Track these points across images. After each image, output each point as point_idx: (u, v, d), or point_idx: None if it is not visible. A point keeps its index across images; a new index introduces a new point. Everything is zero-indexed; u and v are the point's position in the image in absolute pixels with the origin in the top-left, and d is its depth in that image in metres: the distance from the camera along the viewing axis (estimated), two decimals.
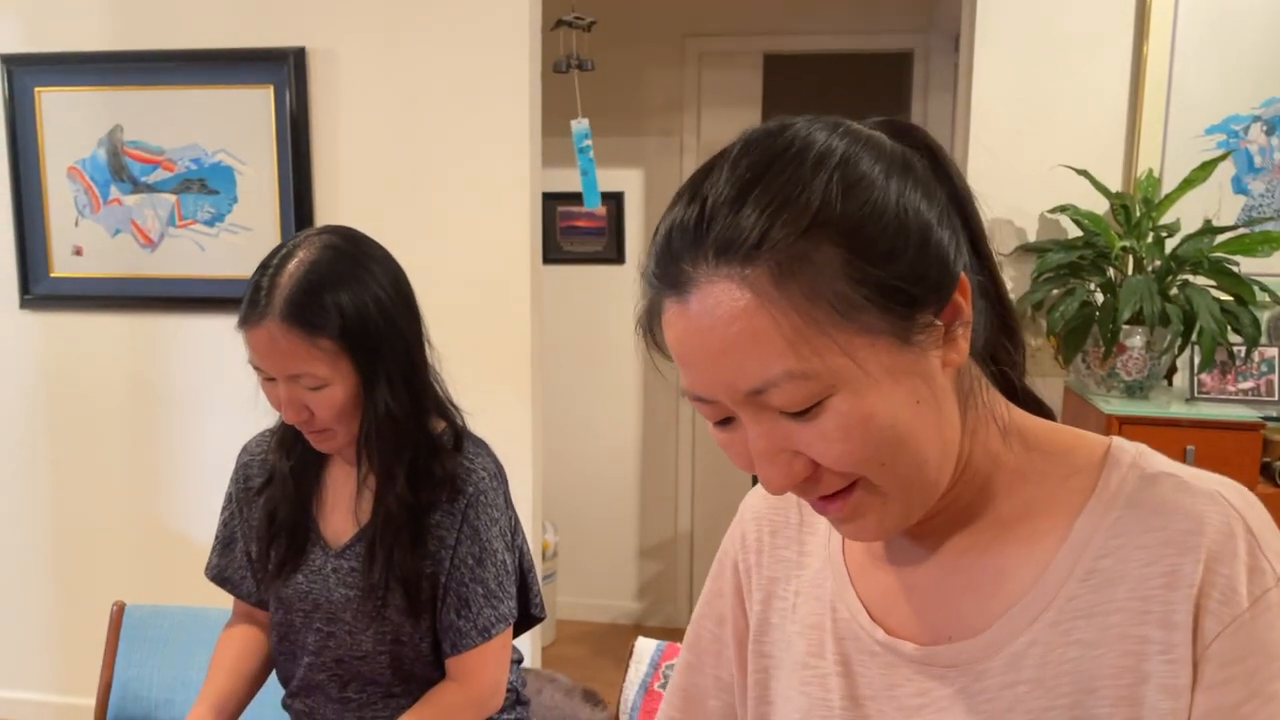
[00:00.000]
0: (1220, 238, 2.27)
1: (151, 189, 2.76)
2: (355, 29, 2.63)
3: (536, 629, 2.66)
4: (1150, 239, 2.31)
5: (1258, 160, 2.45)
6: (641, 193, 3.76)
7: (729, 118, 3.66)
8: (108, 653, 1.77)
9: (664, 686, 1.56)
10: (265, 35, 2.66)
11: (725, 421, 0.66)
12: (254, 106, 2.68)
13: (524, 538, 1.51)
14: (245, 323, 1.29)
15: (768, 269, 0.59)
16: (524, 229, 2.62)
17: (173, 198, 2.76)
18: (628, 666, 1.60)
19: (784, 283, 0.59)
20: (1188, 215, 2.36)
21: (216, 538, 1.54)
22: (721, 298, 0.60)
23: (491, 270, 2.64)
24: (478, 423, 1.50)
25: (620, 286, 3.80)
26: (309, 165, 2.68)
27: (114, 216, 2.79)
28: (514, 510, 1.49)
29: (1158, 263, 2.30)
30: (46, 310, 2.87)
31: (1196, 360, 2.31)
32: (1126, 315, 2.17)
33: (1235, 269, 2.23)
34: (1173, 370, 2.45)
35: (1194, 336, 2.21)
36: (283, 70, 2.64)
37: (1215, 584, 0.62)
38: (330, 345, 1.28)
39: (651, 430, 3.87)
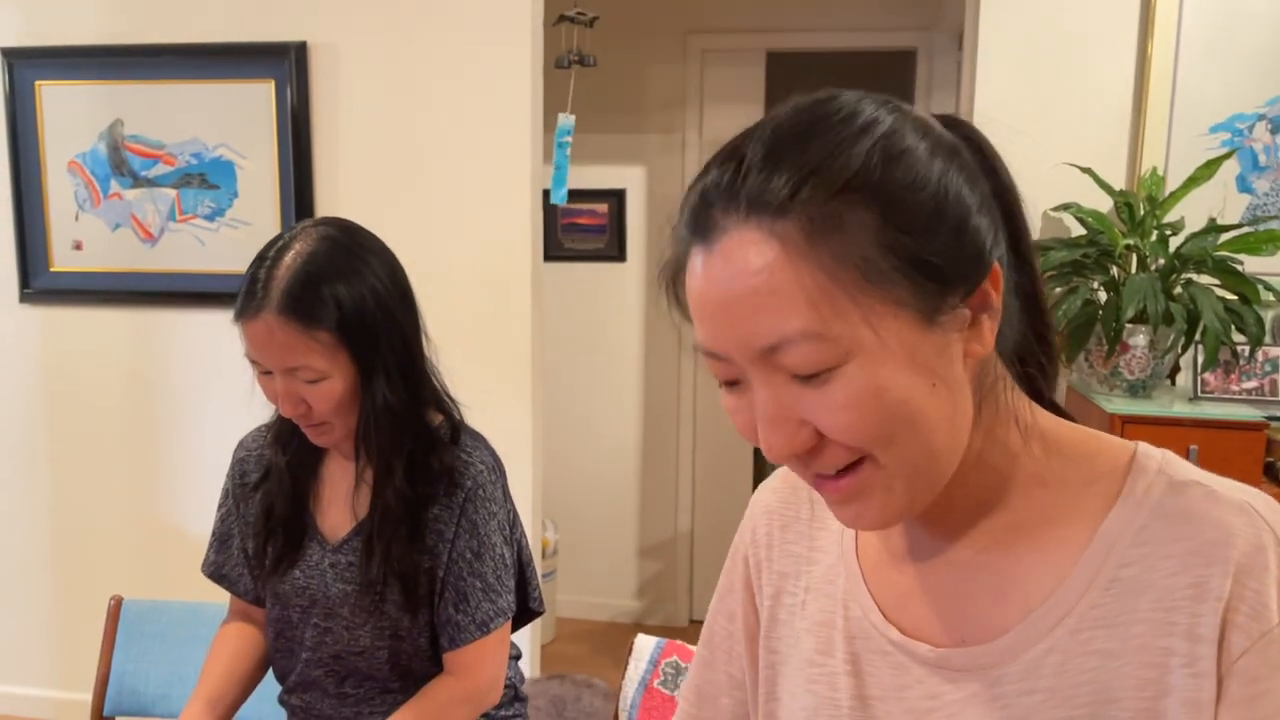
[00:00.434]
0: (1224, 236, 2.26)
1: (152, 183, 2.76)
2: (357, 24, 2.62)
3: (536, 626, 2.66)
4: (1154, 237, 2.30)
5: (1262, 159, 2.44)
6: (643, 190, 3.75)
7: (731, 115, 3.65)
8: (105, 647, 1.76)
9: (663, 684, 1.56)
10: (266, 29, 2.65)
11: (734, 384, 0.65)
12: (255, 101, 2.67)
13: (523, 531, 1.50)
14: (242, 316, 1.28)
15: (798, 225, 0.59)
16: (525, 226, 2.61)
17: (173, 192, 2.75)
18: (627, 664, 1.59)
19: (813, 241, 0.59)
20: (1192, 214, 2.34)
21: (213, 534, 1.53)
22: (748, 248, 0.60)
23: (492, 267, 2.63)
24: (478, 420, 1.50)
25: (621, 284, 3.79)
26: (310, 160, 2.67)
27: (114, 211, 2.78)
28: (512, 504, 1.48)
29: (1161, 261, 2.29)
30: (46, 305, 2.86)
31: (1200, 359, 2.30)
32: (1130, 314, 2.16)
33: (1239, 268, 2.22)
34: (1176, 369, 2.44)
35: (1198, 335, 2.19)
36: (284, 65, 2.63)
37: (1244, 598, 0.60)
38: (328, 338, 1.27)
39: (652, 428, 3.86)
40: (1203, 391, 2.33)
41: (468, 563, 1.37)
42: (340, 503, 1.42)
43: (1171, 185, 2.38)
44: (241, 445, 1.51)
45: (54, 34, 2.75)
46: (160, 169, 2.75)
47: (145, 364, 2.84)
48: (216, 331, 2.71)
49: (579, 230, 3.78)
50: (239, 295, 1.29)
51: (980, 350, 0.64)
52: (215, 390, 2.77)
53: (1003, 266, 0.65)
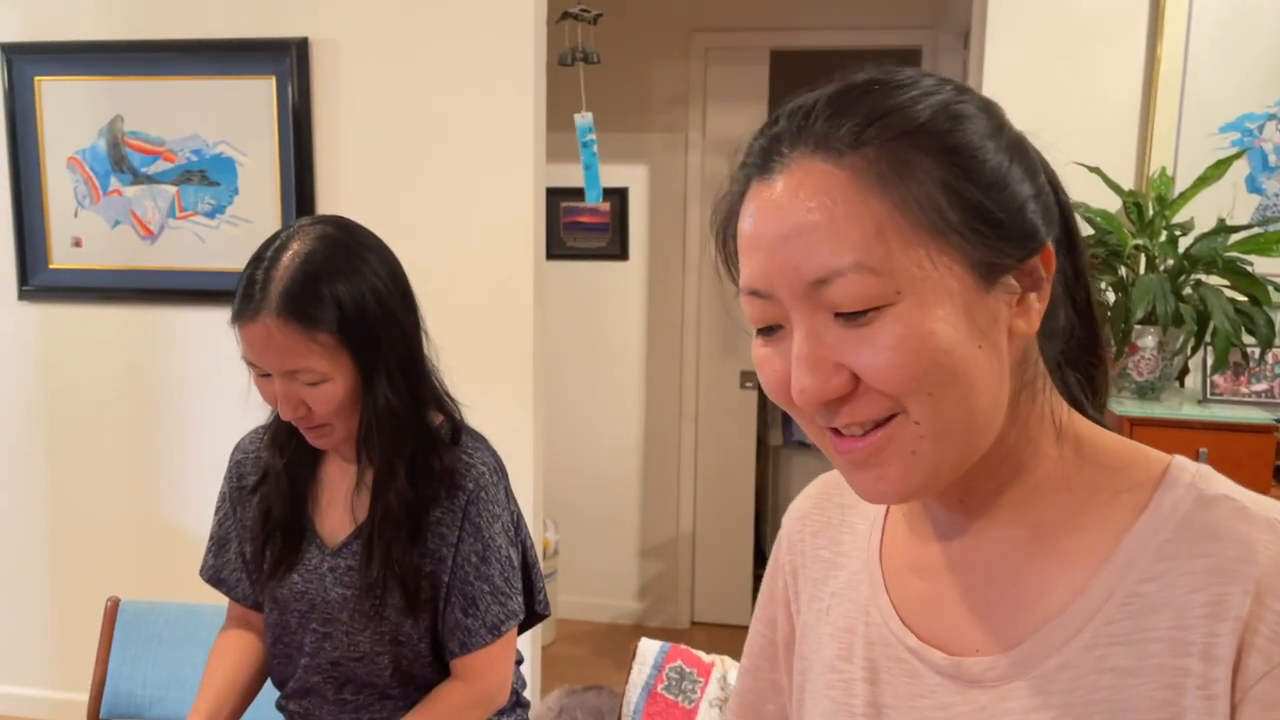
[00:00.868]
0: (1234, 237, 2.23)
1: (152, 180, 2.74)
2: (359, 20, 2.60)
3: (537, 628, 2.64)
4: (1163, 238, 2.28)
5: (1272, 159, 2.41)
6: (646, 189, 3.73)
7: (735, 113, 3.63)
8: (101, 648, 1.74)
9: (667, 689, 1.54)
10: (268, 25, 2.63)
11: (771, 332, 0.64)
12: (256, 97, 2.66)
13: (527, 532, 1.48)
14: (240, 318, 1.25)
15: (865, 161, 0.60)
16: (527, 224, 2.59)
17: (173, 189, 2.73)
18: (630, 668, 1.57)
19: (880, 177, 0.59)
20: (1201, 214, 2.32)
21: (211, 538, 1.51)
22: (815, 178, 0.60)
23: (494, 266, 2.61)
24: (479, 420, 1.48)
25: (624, 283, 3.77)
26: (311, 157, 2.65)
27: (114, 207, 2.77)
28: (516, 505, 1.46)
29: (1170, 262, 2.27)
30: (45, 302, 2.84)
31: (1209, 361, 2.27)
32: (1139, 315, 2.14)
33: (1249, 269, 2.19)
34: (1185, 371, 2.42)
35: (1207, 337, 2.17)
36: (285, 61, 2.61)
37: (1264, 619, 0.57)
38: (329, 339, 1.25)
39: (654, 429, 3.84)
40: (1212, 393, 2.31)
41: (474, 566, 1.35)
42: (339, 505, 1.40)
43: (1181, 185, 2.36)
44: (238, 448, 1.49)
45: (54, 29, 2.73)
46: (160, 165, 2.73)
47: (145, 362, 2.83)
48: (216, 330, 2.67)
49: (581, 229, 3.76)
50: (236, 297, 1.26)
51: (1025, 329, 0.63)
52: (215, 389, 2.75)
53: (1056, 252, 0.64)
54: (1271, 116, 2.41)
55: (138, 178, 2.74)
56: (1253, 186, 2.43)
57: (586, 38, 3.09)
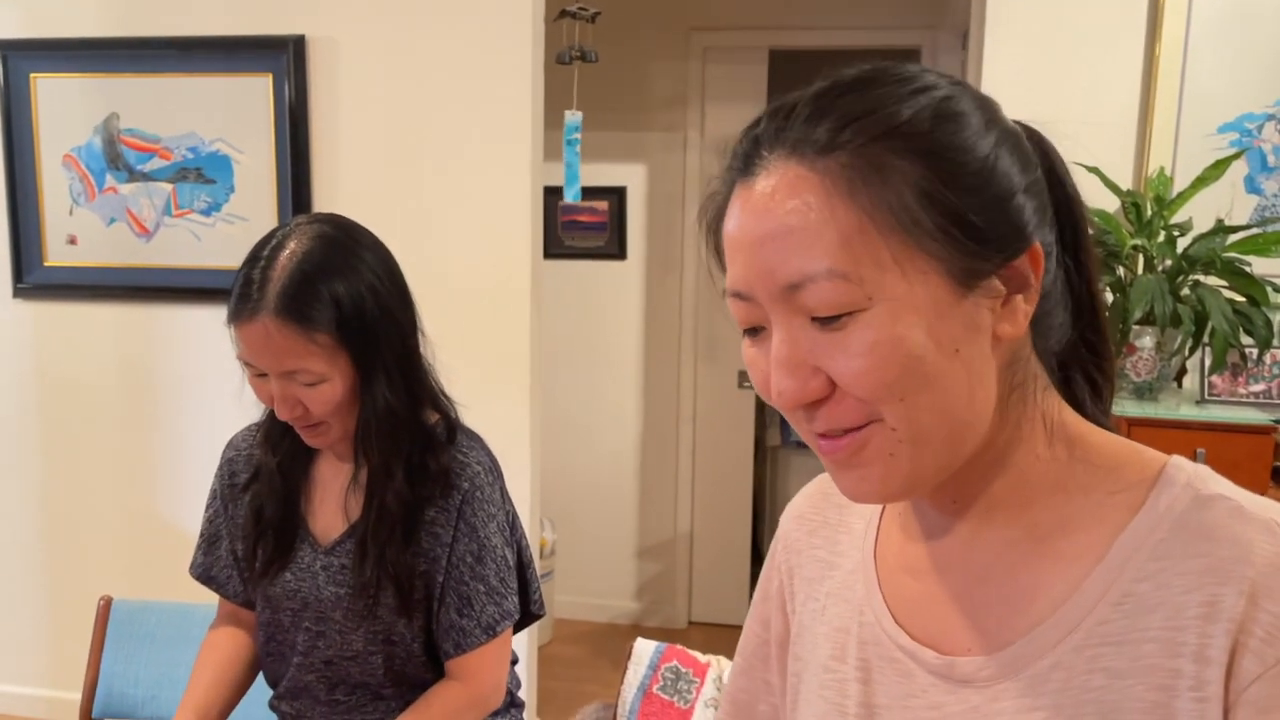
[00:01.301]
0: (1233, 237, 2.23)
1: (147, 177, 2.73)
2: (356, 17, 2.60)
3: (533, 628, 2.63)
4: (1162, 238, 2.27)
5: (1271, 159, 2.41)
6: (644, 188, 3.72)
7: (733, 113, 3.62)
8: (94, 648, 1.73)
9: (663, 689, 1.53)
10: (264, 23, 2.62)
11: (756, 333, 0.65)
12: (252, 95, 2.65)
13: (523, 532, 1.47)
14: (236, 318, 1.24)
15: (840, 165, 0.59)
16: (524, 223, 2.59)
17: (169, 186, 2.72)
18: (626, 668, 1.57)
19: (853, 182, 0.59)
20: (1200, 214, 2.31)
21: (201, 535, 1.50)
22: (789, 183, 0.60)
23: (491, 264, 2.61)
24: (476, 419, 1.47)
25: (622, 283, 3.77)
26: (307, 155, 2.64)
27: (109, 205, 2.76)
28: (511, 505, 1.45)
29: (1169, 262, 2.26)
30: (40, 300, 2.83)
31: (1207, 362, 2.27)
32: (1137, 315, 2.13)
33: (1248, 269, 2.19)
34: (1183, 372, 2.41)
35: (1205, 338, 2.17)
36: (282, 58, 2.60)
37: (1259, 620, 0.56)
38: (327, 340, 1.24)
39: (652, 428, 3.83)
40: (1210, 394, 2.30)
41: (469, 566, 1.34)
42: (332, 503, 1.39)
43: (1179, 186, 2.35)
44: (231, 445, 1.48)
45: (49, 26, 2.73)
46: (156, 163, 2.72)
47: (139, 361, 2.82)
48: (212, 328, 2.68)
49: (579, 228, 3.76)
50: (232, 297, 1.25)
51: (1011, 331, 0.62)
52: (211, 388, 2.74)
53: (1047, 254, 0.64)
54: (1270, 117, 2.40)
55: (133, 175, 2.73)
56: (1251, 187, 2.43)
57: (584, 36, 3.09)
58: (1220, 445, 2.08)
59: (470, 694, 1.38)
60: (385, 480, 1.32)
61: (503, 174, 2.58)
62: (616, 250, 3.75)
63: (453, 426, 1.40)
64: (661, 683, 1.53)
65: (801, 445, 4.28)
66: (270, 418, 1.38)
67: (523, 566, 1.46)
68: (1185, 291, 2.22)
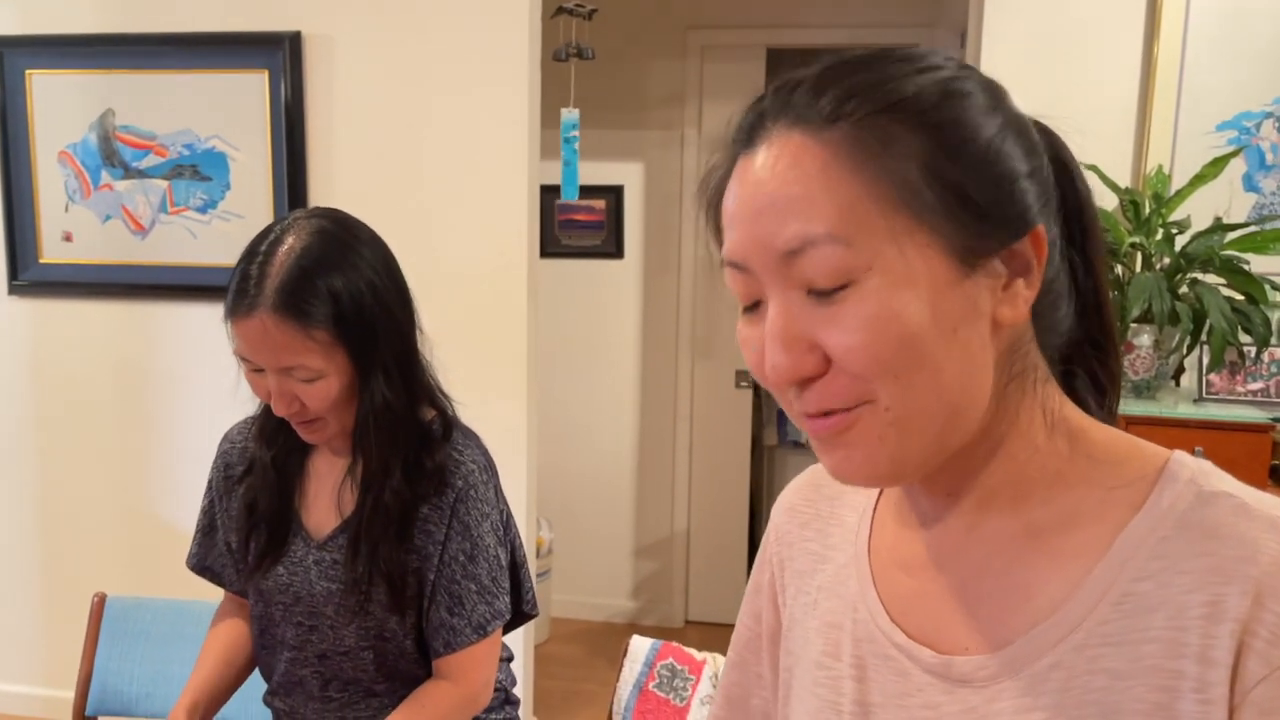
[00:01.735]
0: (1231, 235, 2.23)
1: (143, 174, 2.72)
2: (352, 14, 2.59)
3: (529, 626, 2.63)
4: (1160, 236, 2.27)
5: (1269, 157, 2.41)
6: (641, 186, 3.72)
7: (730, 111, 3.61)
8: (87, 645, 1.73)
9: (658, 686, 1.52)
10: (260, 19, 2.62)
11: (752, 308, 0.64)
12: (248, 92, 2.64)
13: (517, 532, 1.47)
14: (234, 314, 1.24)
15: (843, 136, 0.59)
16: (521, 221, 2.58)
17: (164, 183, 2.71)
18: (621, 665, 1.56)
19: (855, 153, 0.59)
20: (1198, 212, 2.31)
21: (197, 526, 1.50)
22: (791, 151, 0.60)
23: (488, 263, 2.60)
24: (472, 417, 1.46)
25: (619, 281, 3.76)
26: (303, 152, 2.63)
27: (105, 202, 2.75)
28: (506, 504, 1.44)
29: (1167, 260, 2.26)
30: (35, 297, 2.83)
31: (1205, 360, 2.27)
32: (1135, 313, 2.13)
33: (1246, 267, 2.19)
34: (1181, 370, 2.41)
35: (1203, 336, 2.16)
36: (278, 55, 2.60)
37: (1264, 621, 0.55)
38: (325, 336, 1.23)
39: (649, 427, 3.83)
40: (1208, 392, 2.30)
41: (461, 565, 1.34)
42: (326, 498, 1.38)
43: (1177, 183, 2.35)
44: (226, 437, 1.48)
45: (45, 22, 2.72)
46: (152, 160, 2.71)
47: (135, 358, 2.81)
48: (207, 325, 2.67)
49: (576, 226, 3.75)
50: (229, 292, 1.24)
51: (1011, 316, 0.62)
52: (206, 385, 2.73)
53: (1050, 243, 0.63)
54: (1269, 115, 2.40)
55: (129, 172, 2.72)
56: (1249, 185, 2.43)
57: (581, 33, 3.08)
58: (1218, 443, 2.08)
59: (460, 693, 1.37)
60: (382, 477, 1.31)
61: (499, 171, 2.57)
62: (614, 249, 3.74)
63: (449, 424, 1.39)
64: (657, 680, 1.53)
65: (799, 444, 4.29)
66: (266, 412, 1.37)
67: (516, 566, 1.45)
68: (1183, 289, 2.22)
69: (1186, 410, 2.19)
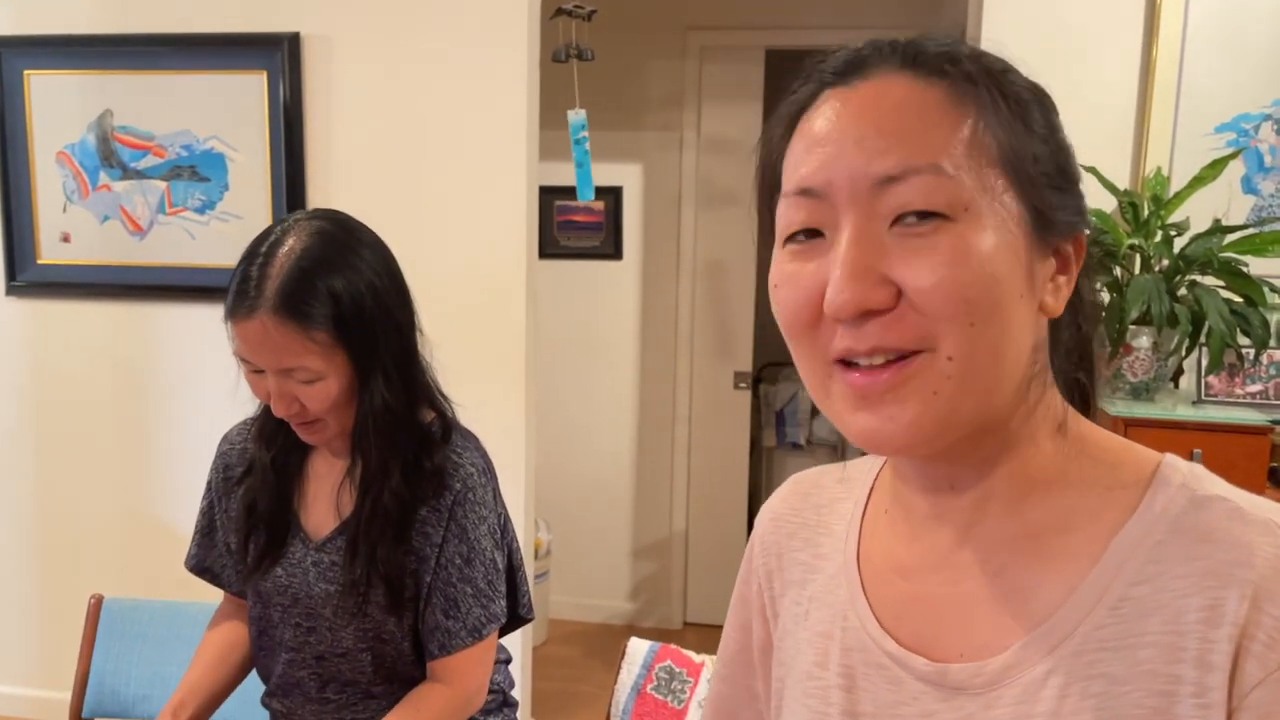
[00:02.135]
0: (1230, 237, 2.23)
1: (141, 175, 2.72)
2: (351, 15, 2.59)
3: (528, 628, 2.62)
4: (1159, 238, 2.27)
5: (1268, 160, 2.41)
6: (640, 187, 3.72)
7: (730, 113, 3.62)
8: (84, 646, 1.72)
9: (656, 689, 1.52)
10: (259, 20, 2.62)
11: (806, 239, 0.62)
12: (247, 93, 2.64)
13: (514, 535, 1.47)
14: (234, 315, 1.23)
15: (951, 86, 0.60)
16: (520, 222, 2.58)
17: (163, 184, 2.71)
18: (620, 668, 1.56)
19: (964, 104, 0.60)
20: (1197, 214, 2.31)
21: (196, 527, 1.50)
22: (899, 87, 0.61)
23: (487, 264, 2.60)
24: (471, 419, 1.46)
25: (618, 283, 3.76)
26: (302, 153, 2.63)
27: (103, 203, 2.74)
28: (504, 507, 1.44)
29: (1166, 262, 2.26)
30: (33, 298, 2.82)
31: (1204, 362, 2.26)
32: (1134, 315, 2.12)
33: (1245, 269, 2.18)
34: (1180, 372, 2.41)
35: (1202, 338, 2.16)
36: (277, 56, 2.59)
37: (1261, 624, 0.55)
38: (325, 337, 1.24)
39: (647, 428, 3.82)
40: (1207, 395, 2.30)
41: (457, 568, 1.34)
42: (325, 500, 1.38)
43: (1176, 185, 2.35)
44: (226, 438, 1.48)
45: (43, 23, 2.71)
46: (150, 161, 2.71)
47: (133, 359, 2.80)
48: (206, 326, 2.67)
49: (575, 227, 3.75)
50: (230, 293, 1.24)
51: (1053, 306, 0.63)
52: (205, 386, 2.73)
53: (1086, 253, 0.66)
54: (1267, 117, 2.40)
55: (127, 173, 2.72)
56: (1248, 187, 2.42)
57: (581, 34, 3.08)
58: (1217, 446, 2.07)
59: (454, 695, 1.37)
60: (381, 479, 1.31)
61: (498, 172, 2.57)
62: (613, 250, 3.74)
63: (448, 426, 1.39)
64: (655, 682, 1.52)
65: (797, 446, 4.29)
66: (265, 413, 1.37)
67: (512, 570, 1.45)
68: (1182, 291, 2.22)
69: (1185, 412, 2.19)
